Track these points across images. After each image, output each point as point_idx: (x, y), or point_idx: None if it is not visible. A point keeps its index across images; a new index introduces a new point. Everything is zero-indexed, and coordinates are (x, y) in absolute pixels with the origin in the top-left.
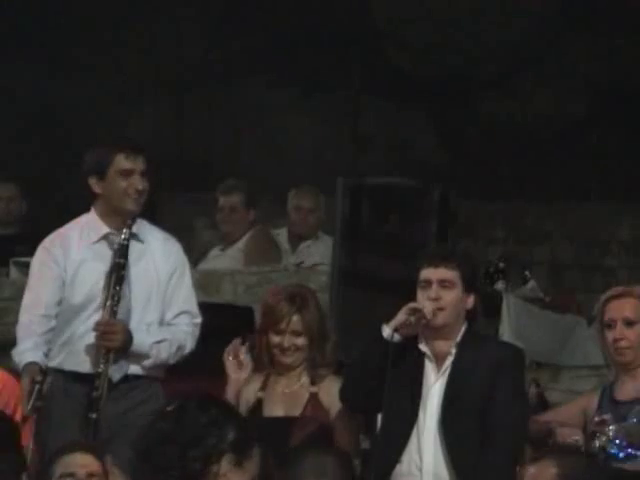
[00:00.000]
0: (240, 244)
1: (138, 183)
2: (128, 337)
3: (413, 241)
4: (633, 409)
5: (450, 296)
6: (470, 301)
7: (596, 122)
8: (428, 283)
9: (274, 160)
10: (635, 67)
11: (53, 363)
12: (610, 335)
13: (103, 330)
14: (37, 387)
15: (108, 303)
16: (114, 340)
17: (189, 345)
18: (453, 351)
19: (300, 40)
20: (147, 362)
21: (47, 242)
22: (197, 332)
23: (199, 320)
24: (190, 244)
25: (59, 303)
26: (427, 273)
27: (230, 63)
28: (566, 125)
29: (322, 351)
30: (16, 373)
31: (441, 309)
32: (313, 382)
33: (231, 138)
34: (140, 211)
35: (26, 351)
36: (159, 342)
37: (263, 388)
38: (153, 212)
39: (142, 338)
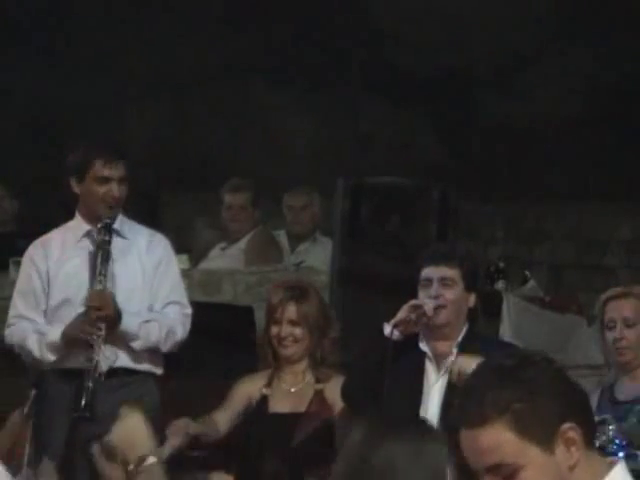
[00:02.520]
0: (241, 243)
1: (115, 191)
2: (118, 310)
3: (413, 241)
4: (633, 409)
5: (451, 294)
6: (472, 300)
7: (596, 122)
8: (429, 281)
9: (274, 160)
10: (635, 67)
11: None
12: (610, 335)
13: (94, 298)
14: (33, 392)
15: (98, 278)
16: (107, 308)
17: (180, 332)
18: (454, 351)
19: (300, 40)
20: (137, 343)
21: (30, 248)
22: (188, 323)
23: (189, 311)
24: (190, 244)
25: (44, 307)
26: (428, 271)
27: (230, 63)
28: (566, 125)
29: (322, 346)
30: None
31: (442, 307)
32: (318, 380)
33: (231, 138)
34: (139, 210)
35: (45, 331)
36: (147, 322)
37: (268, 385)
38: (154, 212)
39: (130, 317)
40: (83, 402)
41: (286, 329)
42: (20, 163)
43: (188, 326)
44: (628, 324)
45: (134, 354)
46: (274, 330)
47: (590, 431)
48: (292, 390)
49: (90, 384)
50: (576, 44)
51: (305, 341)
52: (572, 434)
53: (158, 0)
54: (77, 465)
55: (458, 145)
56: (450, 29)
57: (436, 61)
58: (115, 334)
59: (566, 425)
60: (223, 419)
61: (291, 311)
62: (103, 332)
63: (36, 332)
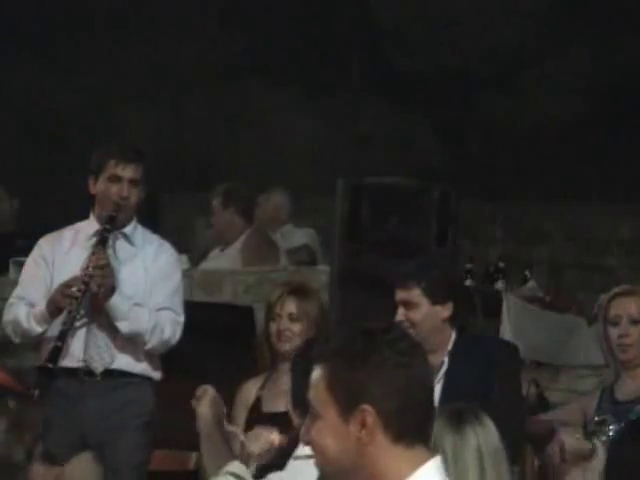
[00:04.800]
0: (237, 244)
1: (124, 191)
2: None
3: (413, 241)
4: (633, 409)
5: (415, 315)
6: (446, 311)
7: (596, 122)
8: (397, 303)
9: (274, 160)
10: (635, 67)
11: (41, 362)
12: (615, 332)
13: (97, 264)
14: (36, 392)
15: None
16: (108, 276)
17: (168, 332)
18: (445, 360)
19: (300, 40)
20: (124, 325)
21: (41, 240)
22: (179, 330)
23: (182, 319)
24: (190, 244)
25: (46, 295)
26: (396, 293)
27: (230, 63)
28: (566, 125)
29: None
30: (13, 373)
31: (410, 328)
32: None
33: (231, 138)
34: (139, 211)
35: (35, 304)
36: (138, 307)
37: (262, 387)
38: (154, 212)
39: (122, 297)
40: (47, 355)
41: (285, 323)
42: (20, 163)
43: (179, 333)
44: (633, 321)
45: (131, 356)
46: (273, 326)
47: (398, 428)
48: (287, 389)
49: (59, 344)
50: (576, 44)
51: (303, 337)
52: (367, 418)
53: (158, 0)
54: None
55: (458, 145)
56: (450, 29)
57: (436, 61)
58: (104, 313)
59: (365, 406)
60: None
61: (291, 306)
62: (80, 296)
63: (27, 305)
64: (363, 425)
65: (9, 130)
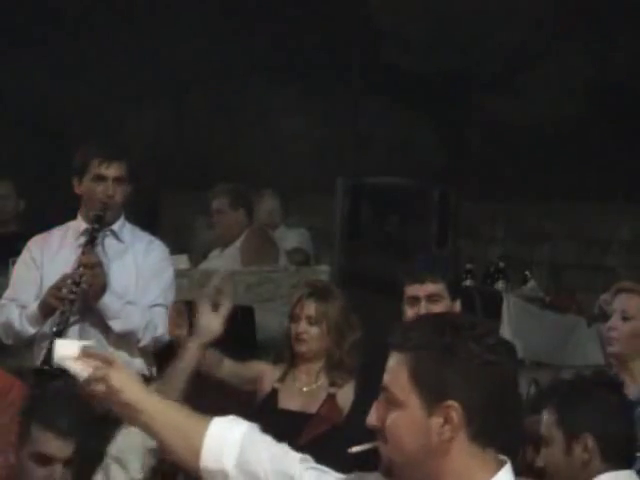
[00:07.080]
0: (237, 243)
1: (110, 189)
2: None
3: (413, 241)
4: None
5: (439, 309)
6: (457, 307)
7: (596, 122)
8: (416, 299)
9: (274, 160)
10: (635, 67)
11: (36, 363)
12: (608, 324)
13: (88, 263)
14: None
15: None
16: (100, 275)
17: (161, 329)
18: None
19: (300, 40)
20: (117, 323)
21: (30, 242)
22: None
23: None
24: (190, 244)
25: (37, 296)
26: (414, 289)
27: (230, 63)
28: (566, 125)
29: (341, 349)
30: (15, 372)
31: None
32: (333, 384)
33: (231, 138)
34: (139, 210)
35: (27, 305)
36: (130, 305)
37: (281, 380)
38: (154, 212)
39: (114, 296)
40: (42, 357)
41: (302, 326)
42: (20, 164)
43: None
44: (625, 317)
45: (126, 353)
46: (293, 327)
47: (478, 427)
48: (304, 389)
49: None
50: (576, 44)
51: (322, 341)
52: (452, 414)
53: (158, 0)
54: None
55: (458, 145)
56: (450, 29)
57: (436, 61)
58: (96, 311)
59: (452, 402)
60: (229, 366)
61: (309, 308)
62: (73, 296)
63: (19, 307)
64: (447, 421)
65: (9, 130)
